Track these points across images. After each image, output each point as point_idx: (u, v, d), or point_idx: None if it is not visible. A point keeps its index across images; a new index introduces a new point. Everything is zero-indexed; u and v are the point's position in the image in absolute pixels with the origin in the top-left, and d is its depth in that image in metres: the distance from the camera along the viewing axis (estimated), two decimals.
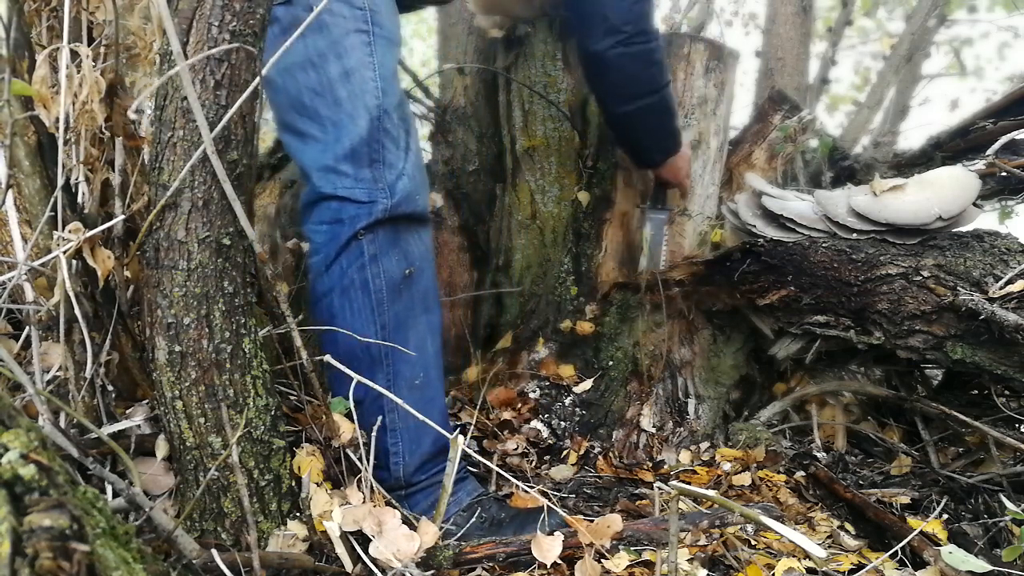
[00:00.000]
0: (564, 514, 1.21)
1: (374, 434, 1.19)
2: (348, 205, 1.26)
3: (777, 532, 0.92)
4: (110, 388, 1.16)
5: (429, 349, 1.36)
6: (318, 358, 1.22)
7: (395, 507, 1.22)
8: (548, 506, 1.19)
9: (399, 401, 1.16)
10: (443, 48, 2.41)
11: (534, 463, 1.70)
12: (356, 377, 1.17)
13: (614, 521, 1.11)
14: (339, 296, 1.29)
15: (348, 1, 1.25)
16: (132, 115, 1.10)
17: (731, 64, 1.95)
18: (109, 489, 1.01)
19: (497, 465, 1.60)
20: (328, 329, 1.29)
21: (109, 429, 1.12)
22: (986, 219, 1.64)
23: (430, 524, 1.11)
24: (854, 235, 1.59)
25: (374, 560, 1.05)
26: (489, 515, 1.31)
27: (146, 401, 1.18)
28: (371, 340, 1.27)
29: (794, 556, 1.26)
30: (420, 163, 1.36)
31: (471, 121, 2.19)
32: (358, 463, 1.19)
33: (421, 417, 1.15)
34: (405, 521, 1.11)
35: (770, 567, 1.22)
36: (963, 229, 1.57)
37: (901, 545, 1.22)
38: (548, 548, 1.08)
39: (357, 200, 1.26)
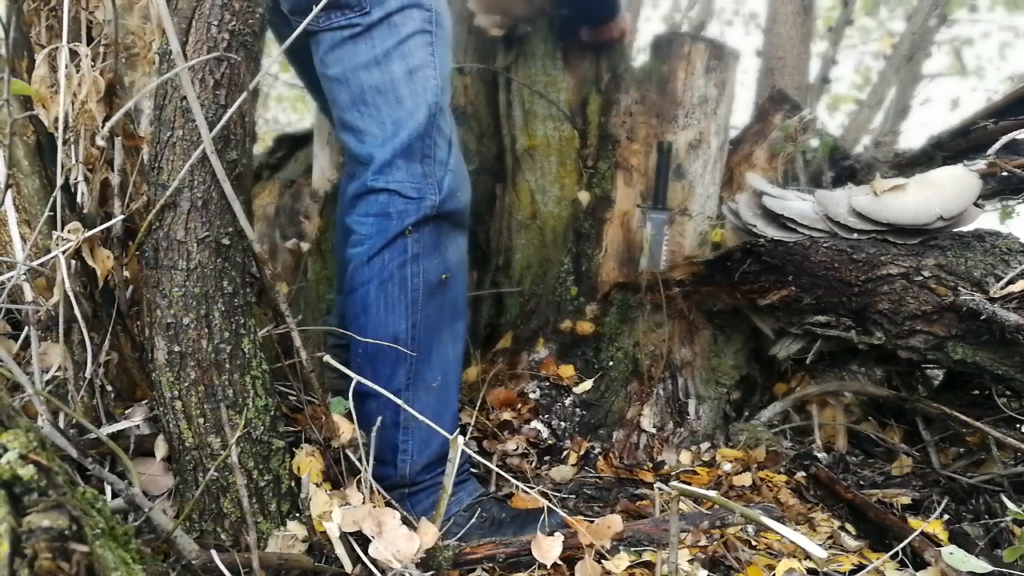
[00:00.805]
0: (564, 515, 1.20)
1: (376, 431, 1.19)
2: (397, 199, 1.28)
3: (778, 533, 0.92)
4: (109, 388, 1.16)
5: (451, 355, 1.37)
6: (318, 355, 1.21)
7: (395, 507, 1.22)
8: (548, 507, 1.19)
9: (404, 406, 1.16)
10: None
11: (534, 463, 1.70)
12: (356, 377, 1.16)
13: (614, 522, 1.11)
14: (376, 288, 1.30)
15: (418, 3, 1.28)
16: (105, 137, 1.10)
17: (732, 63, 1.94)
18: (108, 489, 1.01)
19: (497, 466, 1.60)
20: (328, 329, 1.29)
21: (108, 429, 1.11)
22: (987, 219, 1.63)
23: (430, 525, 1.11)
24: (855, 235, 1.58)
25: (374, 561, 1.05)
26: (490, 515, 1.31)
27: (145, 401, 1.18)
28: (399, 338, 1.29)
29: (795, 557, 1.26)
30: (461, 160, 1.37)
31: (471, 121, 2.19)
32: (357, 464, 1.19)
33: (429, 423, 1.16)
34: (405, 522, 1.11)
35: (771, 568, 1.22)
36: (964, 229, 1.56)
37: (902, 546, 1.22)
38: (548, 549, 1.08)
39: (406, 195, 1.28)
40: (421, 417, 1.15)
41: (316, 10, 1.04)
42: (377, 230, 1.28)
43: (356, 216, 1.31)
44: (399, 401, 1.15)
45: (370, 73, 1.27)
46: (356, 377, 1.16)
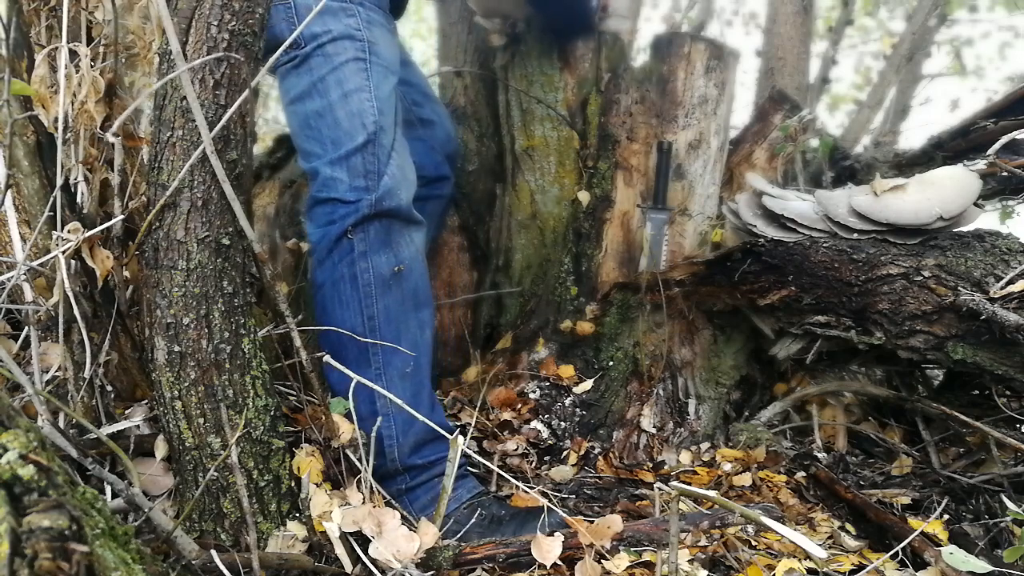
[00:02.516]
0: (564, 515, 1.20)
1: (374, 431, 1.19)
2: (339, 206, 1.36)
3: (778, 533, 0.92)
4: (109, 388, 1.16)
5: (420, 341, 1.43)
6: (317, 355, 1.22)
7: (395, 507, 1.22)
8: (548, 506, 1.19)
9: (381, 390, 1.20)
10: (443, 48, 2.41)
11: (534, 464, 1.70)
12: (343, 370, 1.17)
13: (614, 522, 1.11)
14: (329, 288, 1.38)
15: (350, 35, 1.38)
16: (111, 138, 1.10)
17: (731, 63, 1.94)
18: (108, 489, 1.01)
19: (497, 466, 1.60)
20: (328, 329, 1.30)
21: (108, 429, 1.11)
22: (987, 219, 1.63)
23: (430, 525, 1.10)
24: (855, 235, 1.58)
25: (374, 561, 1.05)
26: (489, 513, 1.32)
27: (145, 401, 1.18)
28: (356, 332, 1.35)
29: (795, 557, 1.26)
30: (404, 163, 1.45)
31: (471, 121, 2.19)
32: (357, 463, 1.19)
33: (407, 408, 1.18)
34: (405, 521, 1.11)
35: (771, 568, 1.22)
36: (964, 229, 1.56)
37: (902, 546, 1.22)
38: (548, 549, 1.08)
39: (346, 201, 1.36)
40: (398, 400, 1.18)
41: (307, 21, 1.07)
42: (323, 236, 1.37)
43: (310, 228, 1.42)
44: (376, 387, 1.19)
45: (312, 100, 1.38)
46: (356, 377, 1.16)
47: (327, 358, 1.21)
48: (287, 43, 1.12)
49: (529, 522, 1.27)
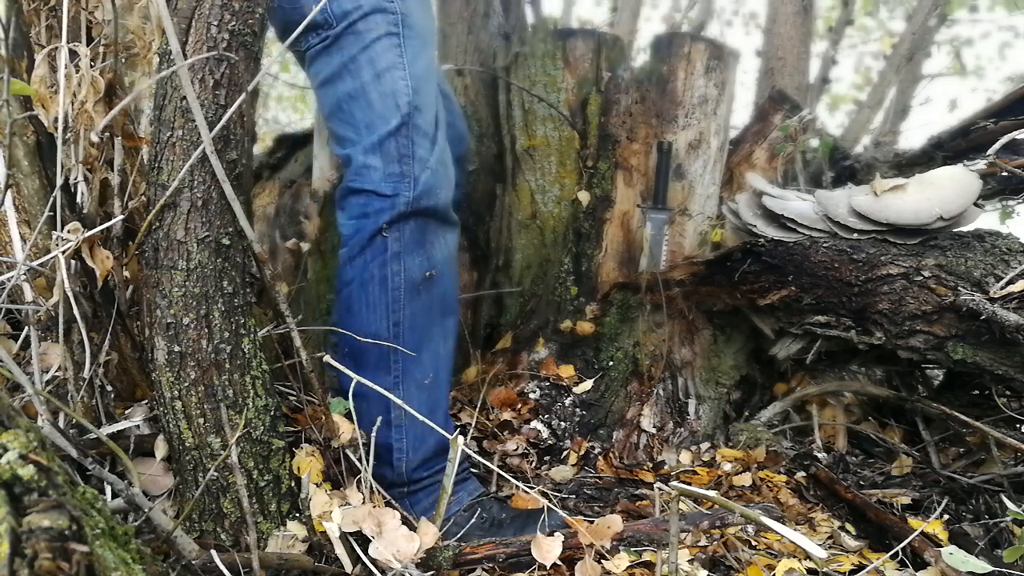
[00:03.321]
0: (564, 515, 1.20)
1: (375, 430, 1.19)
2: (374, 199, 1.29)
3: (778, 533, 0.92)
4: (109, 388, 1.16)
5: (441, 352, 1.38)
6: (318, 355, 1.22)
7: (395, 507, 1.22)
8: (548, 507, 1.19)
9: (399, 402, 1.16)
10: (443, 48, 2.41)
11: (534, 464, 1.70)
12: (356, 377, 1.16)
13: (614, 522, 1.11)
14: (357, 288, 1.31)
15: (381, 8, 1.29)
16: (105, 135, 1.10)
17: (731, 64, 1.94)
18: (108, 489, 1.01)
19: (497, 466, 1.60)
20: (327, 329, 1.29)
21: (108, 429, 1.11)
22: (987, 219, 1.63)
23: (430, 525, 1.10)
24: (855, 235, 1.58)
25: (374, 561, 1.05)
26: (490, 515, 1.31)
27: (145, 401, 1.18)
28: (380, 337, 1.29)
29: (795, 557, 1.26)
30: (446, 158, 1.37)
31: (471, 121, 2.19)
32: (357, 464, 1.19)
33: (422, 418, 1.15)
34: (405, 522, 1.11)
35: (771, 568, 1.22)
36: (964, 229, 1.56)
37: (902, 546, 1.22)
38: (548, 549, 1.08)
39: (382, 194, 1.29)
40: (415, 413, 1.15)
41: (296, 32, 1.08)
42: (356, 230, 1.31)
43: (341, 219, 1.34)
44: (393, 397, 1.16)
45: (343, 81, 1.30)
46: (356, 377, 1.16)
47: (326, 358, 1.21)
48: (303, 25, 1.07)
49: (529, 525, 1.25)
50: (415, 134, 1.30)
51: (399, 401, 1.16)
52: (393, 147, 1.29)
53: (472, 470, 1.51)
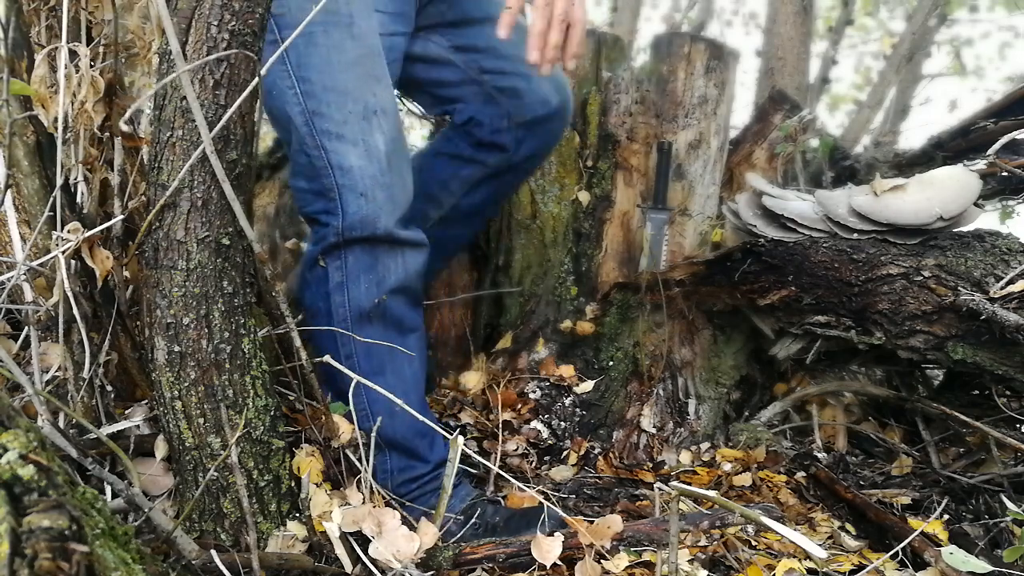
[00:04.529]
0: (564, 514, 1.20)
1: (374, 431, 1.19)
2: (315, 225, 1.23)
3: (778, 533, 0.92)
4: (109, 388, 1.16)
5: (407, 373, 1.31)
6: (318, 360, 1.21)
7: (395, 508, 1.22)
8: (546, 506, 1.18)
9: (398, 401, 1.15)
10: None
11: (534, 464, 1.70)
12: (355, 377, 1.16)
13: (614, 522, 1.11)
14: (310, 317, 1.27)
15: (302, 8, 1.14)
16: (124, 127, 1.10)
17: (731, 64, 1.94)
18: (108, 490, 1.01)
19: (497, 466, 1.60)
20: (328, 329, 1.28)
21: (108, 429, 1.11)
22: (987, 219, 1.63)
23: (430, 525, 1.11)
24: (855, 235, 1.58)
25: (374, 561, 1.05)
26: (484, 520, 1.30)
27: (145, 401, 1.18)
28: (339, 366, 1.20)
29: (795, 557, 1.26)
30: (394, 174, 1.23)
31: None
32: (357, 464, 1.19)
33: (421, 415, 1.15)
34: (405, 522, 1.11)
35: (771, 568, 1.22)
36: (964, 229, 1.56)
37: (902, 546, 1.22)
38: (548, 549, 1.08)
39: (319, 220, 1.22)
40: (416, 412, 1.14)
41: (313, 14, 1.04)
42: (306, 255, 1.26)
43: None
44: (392, 397, 1.13)
45: (270, 99, 1.24)
46: (356, 377, 1.16)
47: (327, 358, 1.20)
48: (297, 31, 0.98)
49: (525, 525, 1.24)
50: (326, 140, 1.18)
51: (398, 401, 1.15)
52: (303, 163, 1.20)
53: (470, 470, 1.50)
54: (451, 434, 1.16)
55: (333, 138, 1.19)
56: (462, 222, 1.69)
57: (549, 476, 1.66)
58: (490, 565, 1.13)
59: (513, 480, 1.25)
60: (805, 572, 1.21)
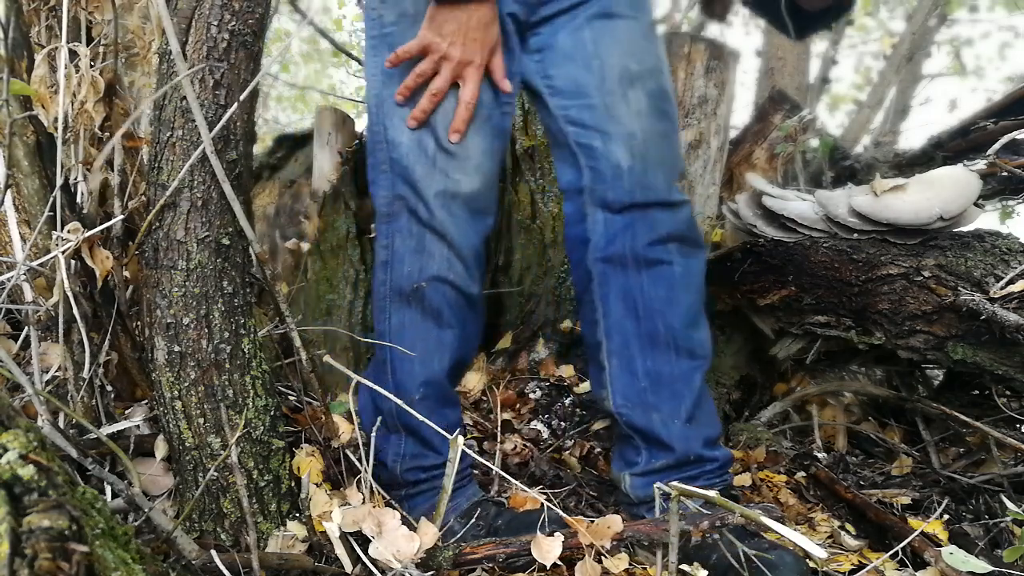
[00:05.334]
0: (563, 514, 1.20)
1: (374, 430, 1.19)
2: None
3: (778, 532, 0.92)
4: (109, 388, 1.16)
5: (435, 367, 1.31)
6: (319, 352, 1.22)
7: (395, 507, 1.22)
8: (547, 507, 1.18)
9: (399, 402, 1.15)
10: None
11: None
12: (355, 377, 1.16)
13: (614, 522, 1.11)
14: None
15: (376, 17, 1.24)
16: (125, 134, 1.10)
17: (731, 64, 1.94)
18: (108, 490, 1.01)
19: (498, 466, 1.60)
20: (328, 329, 1.29)
21: (108, 429, 1.11)
22: (987, 219, 1.63)
23: (430, 525, 1.10)
24: (855, 235, 1.58)
25: (374, 561, 1.05)
26: (487, 521, 1.30)
27: (145, 401, 1.18)
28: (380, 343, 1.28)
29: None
30: (457, 161, 1.25)
31: None
32: (357, 464, 1.19)
33: (423, 419, 1.15)
34: (405, 522, 1.11)
35: None
36: (964, 229, 1.56)
37: (902, 545, 1.22)
38: (548, 549, 1.08)
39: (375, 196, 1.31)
40: (418, 415, 1.14)
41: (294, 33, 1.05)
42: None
43: None
44: (394, 398, 1.15)
45: None
46: (356, 377, 1.16)
47: (327, 358, 1.21)
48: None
49: (525, 528, 1.24)
50: (387, 131, 1.25)
51: (399, 401, 1.15)
52: (371, 147, 1.29)
53: (474, 471, 1.50)
54: (450, 434, 1.16)
55: (395, 116, 1.24)
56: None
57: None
58: (490, 565, 1.13)
59: (514, 482, 1.25)
60: None
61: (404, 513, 1.25)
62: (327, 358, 1.20)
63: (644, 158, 1.27)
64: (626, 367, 1.34)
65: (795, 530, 0.98)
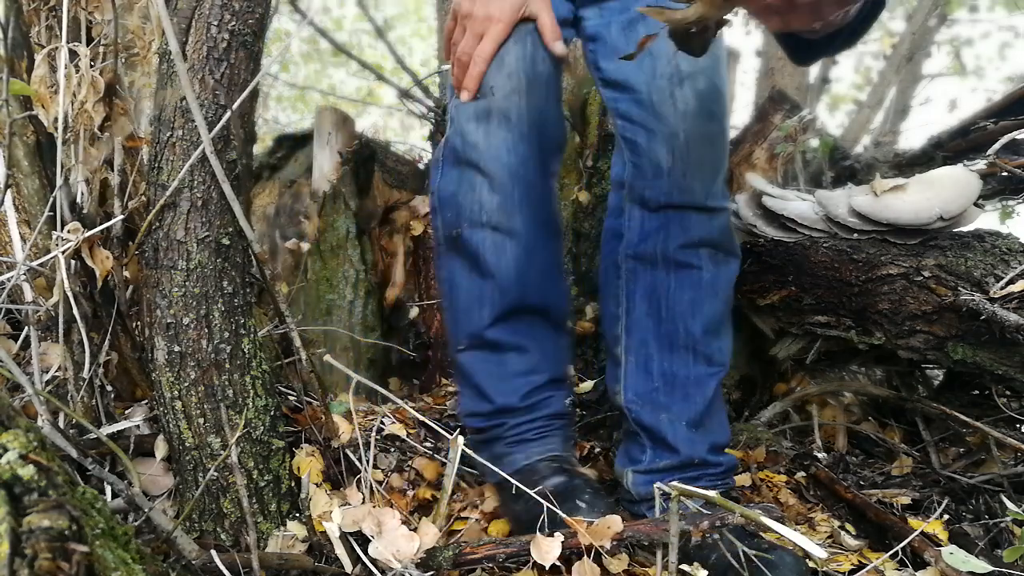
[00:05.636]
0: (564, 515, 1.20)
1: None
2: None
3: (778, 532, 0.92)
4: (109, 388, 1.16)
5: (474, 316, 1.31)
6: (319, 351, 1.22)
7: (394, 508, 1.22)
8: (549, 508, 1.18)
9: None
10: (443, 48, 2.41)
11: None
12: (355, 377, 1.17)
13: (614, 522, 1.11)
14: None
15: None
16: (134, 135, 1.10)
17: (731, 63, 1.94)
18: (108, 490, 1.01)
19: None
20: (328, 329, 1.29)
21: (108, 429, 1.11)
22: (987, 219, 1.63)
23: (430, 525, 1.11)
24: (855, 235, 1.58)
25: (373, 561, 1.05)
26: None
27: (145, 401, 1.18)
28: None
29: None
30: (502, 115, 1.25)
31: None
32: (357, 463, 1.19)
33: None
34: (405, 522, 1.11)
35: None
36: (964, 229, 1.56)
37: (902, 545, 1.22)
38: (547, 549, 1.08)
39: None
40: None
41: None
42: None
43: None
44: (399, 401, 1.16)
45: None
46: (356, 377, 1.16)
47: (328, 358, 1.21)
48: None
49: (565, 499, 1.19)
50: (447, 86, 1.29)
51: (399, 401, 1.16)
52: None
53: (470, 470, 1.49)
54: (451, 434, 1.16)
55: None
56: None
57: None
58: (490, 565, 1.13)
59: (516, 483, 1.24)
60: None
61: (406, 515, 1.25)
62: (327, 358, 1.21)
63: (685, 160, 1.25)
64: (642, 365, 1.34)
65: (795, 530, 0.98)
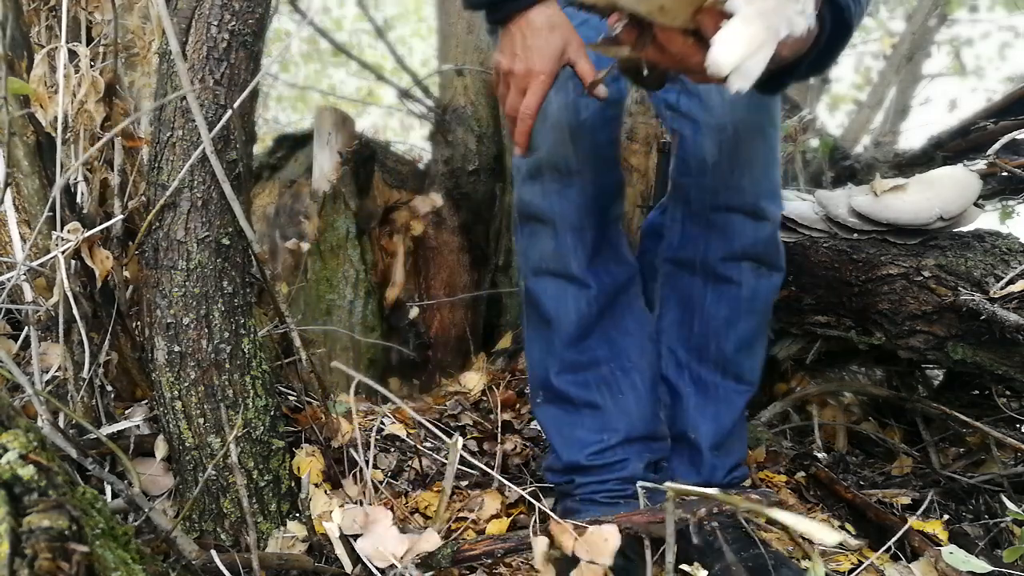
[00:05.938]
0: (559, 520, 1.20)
1: None
2: None
3: (781, 520, 0.92)
4: (109, 388, 1.16)
5: (551, 339, 1.30)
6: (319, 351, 1.22)
7: (394, 507, 1.22)
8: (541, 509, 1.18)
9: (414, 414, 1.16)
10: (443, 48, 2.41)
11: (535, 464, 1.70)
12: (356, 376, 1.16)
13: (611, 534, 1.09)
14: None
15: None
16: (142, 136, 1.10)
17: None
18: (108, 490, 1.01)
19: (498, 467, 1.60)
20: (328, 329, 1.29)
21: (108, 429, 1.11)
22: (987, 219, 1.63)
23: (432, 532, 1.11)
24: (855, 235, 1.58)
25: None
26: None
27: (145, 401, 1.18)
28: None
29: (792, 555, 1.26)
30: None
31: (471, 121, 2.19)
32: (358, 462, 1.19)
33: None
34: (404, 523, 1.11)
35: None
36: (964, 229, 1.56)
37: (895, 539, 1.22)
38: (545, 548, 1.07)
39: None
40: None
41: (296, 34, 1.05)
42: None
43: None
44: (410, 412, 1.15)
45: None
46: (359, 377, 1.16)
47: (335, 363, 1.21)
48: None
49: None
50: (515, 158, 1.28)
51: (416, 414, 1.16)
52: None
53: (469, 472, 1.48)
54: (450, 435, 1.16)
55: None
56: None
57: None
58: (489, 561, 1.13)
59: (506, 482, 1.24)
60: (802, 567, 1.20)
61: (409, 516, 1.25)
62: (335, 363, 1.20)
63: (732, 155, 1.18)
64: (670, 370, 1.34)
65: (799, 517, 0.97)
